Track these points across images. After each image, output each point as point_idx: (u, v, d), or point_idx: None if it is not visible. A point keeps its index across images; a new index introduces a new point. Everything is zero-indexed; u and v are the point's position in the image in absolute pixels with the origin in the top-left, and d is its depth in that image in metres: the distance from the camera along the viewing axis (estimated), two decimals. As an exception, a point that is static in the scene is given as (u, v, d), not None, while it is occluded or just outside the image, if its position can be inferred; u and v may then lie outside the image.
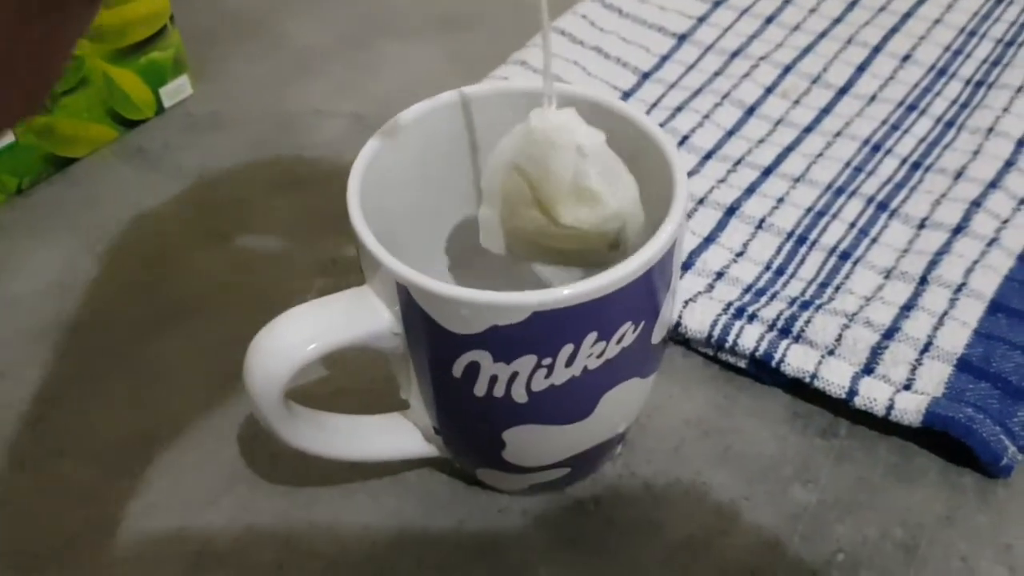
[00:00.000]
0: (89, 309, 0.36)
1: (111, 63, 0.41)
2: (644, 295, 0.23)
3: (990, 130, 0.38)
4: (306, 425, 0.25)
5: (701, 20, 0.45)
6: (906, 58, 0.42)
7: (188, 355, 0.34)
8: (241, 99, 0.44)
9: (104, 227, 0.39)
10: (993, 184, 0.36)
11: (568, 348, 0.23)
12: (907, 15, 0.44)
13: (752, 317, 0.32)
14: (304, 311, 0.23)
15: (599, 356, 0.23)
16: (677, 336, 0.33)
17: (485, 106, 0.28)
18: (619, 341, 0.23)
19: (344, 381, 0.32)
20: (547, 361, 0.23)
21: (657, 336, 0.25)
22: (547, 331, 0.22)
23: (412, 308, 0.23)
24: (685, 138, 0.39)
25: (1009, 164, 0.37)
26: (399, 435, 0.27)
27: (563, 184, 0.23)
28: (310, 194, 0.40)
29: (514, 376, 0.23)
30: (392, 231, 0.26)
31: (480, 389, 0.24)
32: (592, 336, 0.23)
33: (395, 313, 0.23)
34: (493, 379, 0.23)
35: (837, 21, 0.44)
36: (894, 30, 0.44)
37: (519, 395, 0.24)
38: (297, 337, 0.23)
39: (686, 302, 0.33)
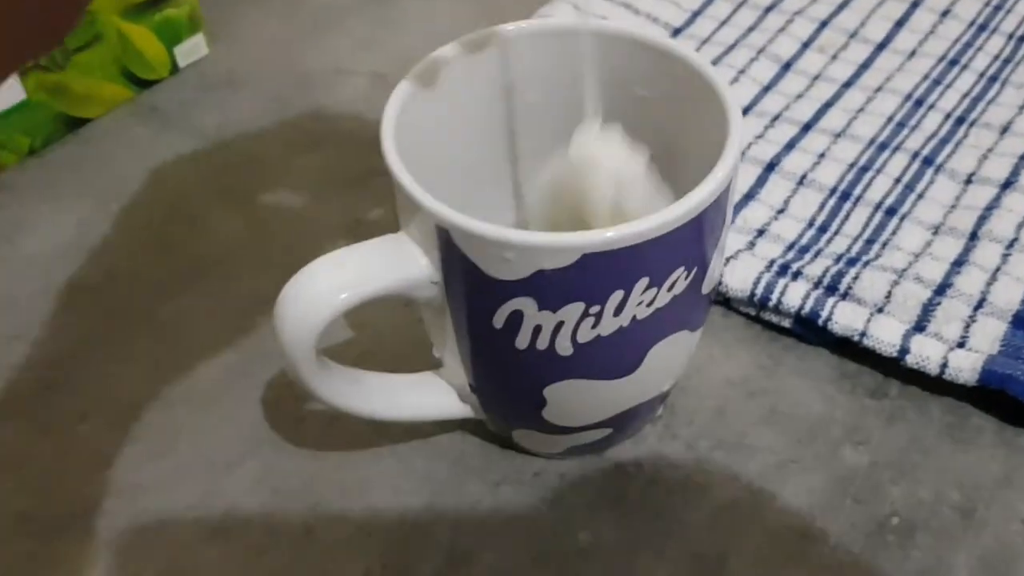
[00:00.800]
0: (105, 269, 0.35)
1: (125, 19, 0.39)
2: (698, 238, 0.22)
3: (1037, 84, 0.37)
4: (340, 380, 0.24)
5: (733, -25, 0.43)
6: (945, 13, 0.41)
7: (208, 315, 0.33)
8: (258, 58, 0.43)
9: (119, 187, 0.38)
10: (1043, 139, 0.35)
11: (618, 295, 0.21)
12: (946, -31, 0.43)
13: (797, 274, 0.31)
14: (338, 257, 0.22)
15: (649, 304, 0.22)
16: (717, 296, 0.32)
17: (522, 46, 0.26)
18: (671, 288, 0.22)
19: (370, 344, 0.31)
20: (595, 309, 0.22)
21: (708, 285, 0.24)
22: (597, 276, 0.21)
23: (452, 252, 0.21)
24: (719, 94, 0.38)
25: (1059, 119, 0.36)
26: (433, 394, 0.26)
27: (603, 213, 0.23)
28: (330, 154, 0.39)
29: (559, 326, 0.22)
30: (426, 177, 0.25)
31: (523, 341, 0.22)
32: (644, 282, 0.21)
33: (433, 259, 0.22)
34: (537, 330, 0.22)
35: (875, -25, 0.43)
36: (934, -15, 0.42)
37: (564, 347, 0.22)
38: (331, 284, 0.22)
39: (727, 259, 0.32)
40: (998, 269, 0.30)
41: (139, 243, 0.36)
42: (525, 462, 0.28)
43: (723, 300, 0.32)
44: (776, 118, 0.37)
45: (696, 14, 0.42)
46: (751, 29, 0.41)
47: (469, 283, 0.22)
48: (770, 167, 0.35)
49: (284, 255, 0.35)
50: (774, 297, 0.30)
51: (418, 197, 0.21)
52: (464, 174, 0.27)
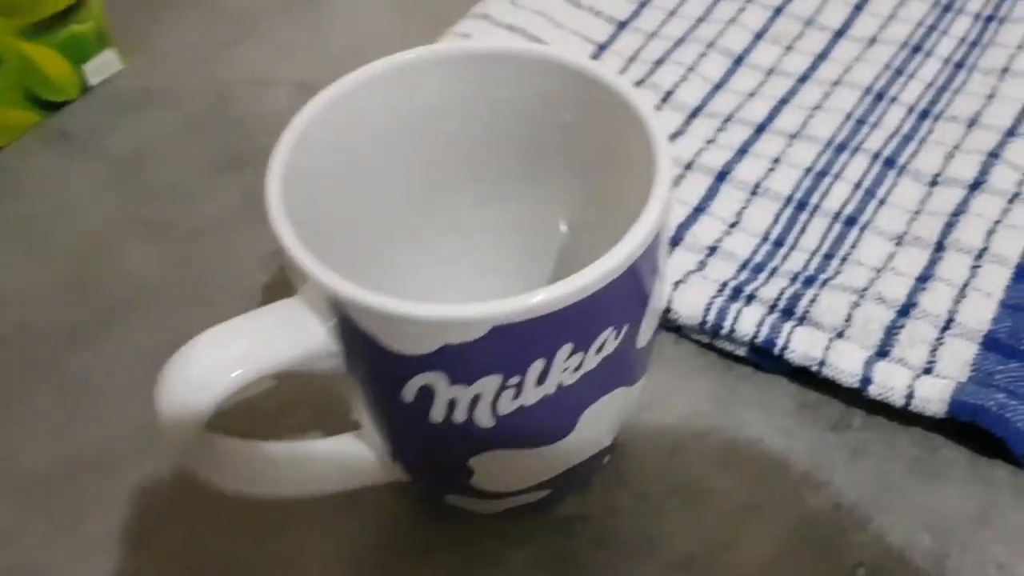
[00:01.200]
0: (13, 318, 0.32)
1: (26, 39, 0.36)
2: (626, 296, 0.20)
3: (1004, 70, 0.35)
4: (237, 463, 0.22)
5: (680, -40, 0.41)
6: (908, -7, 0.38)
7: (123, 365, 0.30)
8: (175, 71, 0.40)
9: (28, 223, 0.35)
10: (1011, 131, 0.33)
11: (539, 364, 0.19)
12: (906, -55, 0.40)
13: (750, 298, 0.29)
14: (223, 332, 0.20)
15: (576, 369, 0.20)
16: (667, 322, 0.29)
17: (431, 73, 0.24)
18: (599, 351, 0.20)
19: (292, 394, 0.29)
20: (515, 380, 0.19)
21: (643, 339, 0.21)
22: (512, 347, 0.19)
23: (349, 327, 0.19)
24: (668, 94, 0.35)
25: (1028, 108, 0.33)
26: (353, 462, 0.24)
27: None
28: (252, 174, 0.35)
29: (476, 399, 0.20)
30: (325, 225, 0.22)
31: (437, 414, 0.20)
32: (567, 348, 0.19)
33: (331, 330, 0.20)
34: (452, 403, 0.20)
35: (830, -45, 0.40)
36: (893, -38, 0.39)
37: (484, 419, 0.20)
38: (216, 364, 0.19)
39: (676, 284, 0.29)
40: (966, 284, 0.28)
41: (50, 286, 0.33)
42: (461, 523, 0.26)
43: (675, 327, 0.29)
44: (728, 119, 0.34)
45: (642, 5, 0.39)
46: (701, 20, 0.38)
47: (371, 357, 0.19)
48: (721, 176, 0.32)
49: (207, 291, 0.32)
50: (727, 324, 0.28)
51: (306, 267, 0.19)
52: (373, 219, 0.24)
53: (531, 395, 0.20)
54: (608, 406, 0.22)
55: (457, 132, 0.25)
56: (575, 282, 0.18)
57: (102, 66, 0.39)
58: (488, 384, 0.19)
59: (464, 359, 0.19)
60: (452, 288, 0.27)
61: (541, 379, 0.19)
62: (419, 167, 0.25)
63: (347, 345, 0.20)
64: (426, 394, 0.20)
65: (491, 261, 0.27)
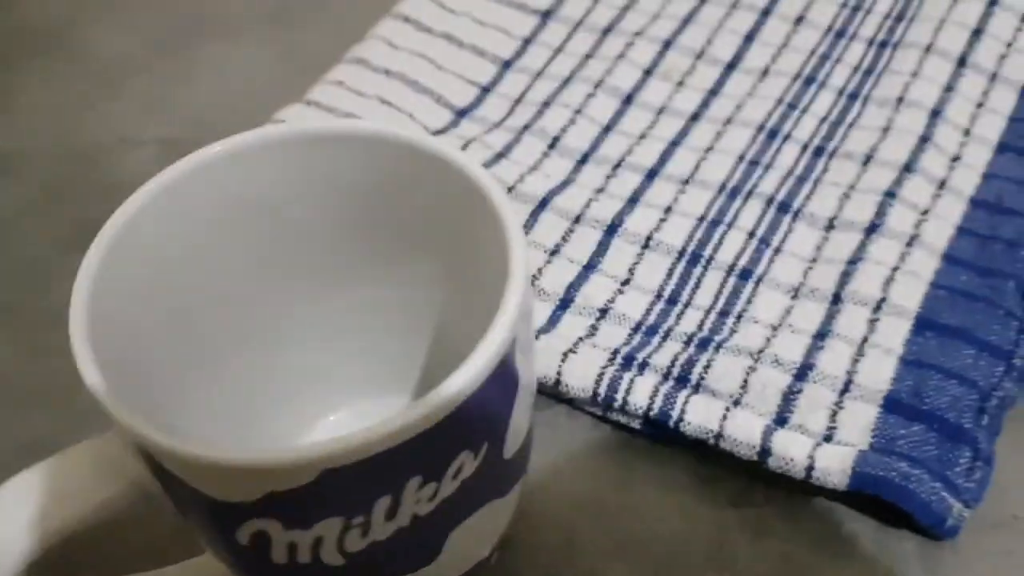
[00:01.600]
0: None
1: None
2: (479, 418, 0.18)
3: (899, 100, 0.33)
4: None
5: (566, -9, 0.39)
6: (799, 20, 0.37)
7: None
8: (36, 132, 0.37)
9: None
10: (908, 167, 0.31)
11: (384, 501, 0.17)
12: (797, -32, 0.39)
13: (643, 365, 0.27)
14: (23, 483, 0.17)
15: (431, 499, 0.18)
16: (559, 394, 0.27)
17: (268, 158, 0.21)
18: (456, 475, 0.18)
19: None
20: (359, 520, 0.17)
21: (511, 449, 0.20)
22: (348, 489, 0.17)
23: (163, 474, 0.17)
24: (556, 139, 0.33)
25: (924, 140, 0.32)
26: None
27: None
28: (117, 248, 0.33)
29: (318, 541, 0.17)
30: (154, 336, 0.20)
31: (279, 556, 0.18)
32: (415, 481, 0.17)
33: (149, 473, 0.17)
34: (292, 547, 0.18)
35: (719, -18, 0.39)
36: (784, -13, 0.38)
37: (332, 558, 0.18)
38: (14, 526, 0.17)
39: (565, 353, 0.27)
40: (865, 340, 0.27)
41: None
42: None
43: (567, 399, 0.28)
44: (618, 165, 0.33)
45: (527, 41, 0.37)
46: (588, 57, 0.36)
47: (194, 505, 0.17)
48: (612, 229, 0.31)
49: (58, 388, 0.29)
50: (619, 396, 0.26)
51: (110, 408, 0.17)
52: (216, 318, 0.22)
53: (382, 531, 0.18)
54: (479, 521, 0.20)
55: (307, 219, 0.22)
56: (412, 413, 0.16)
57: (-52, 132, 0.36)
58: (329, 527, 0.17)
59: (296, 504, 0.17)
60: (318, 380, 0.25)
61: (390, 515, 0.17)
62: (265, 257, 0.22)
63: (168, 491, 0.17)
64: (262, 539, 0.17)
65: (371, 340, 0.25)
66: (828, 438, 0.25)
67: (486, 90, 0.36)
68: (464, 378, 0.16)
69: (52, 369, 0.30)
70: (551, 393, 0.28)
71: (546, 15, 0.38)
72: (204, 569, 0.21)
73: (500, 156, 0.33)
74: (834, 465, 0.25)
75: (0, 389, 0.30)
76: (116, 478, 0.17)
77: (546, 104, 0.35)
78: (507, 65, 0.37)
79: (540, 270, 0.30)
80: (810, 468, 0.25)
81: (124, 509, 0.18)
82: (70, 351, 0.30)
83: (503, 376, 0.18)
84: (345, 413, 0.26)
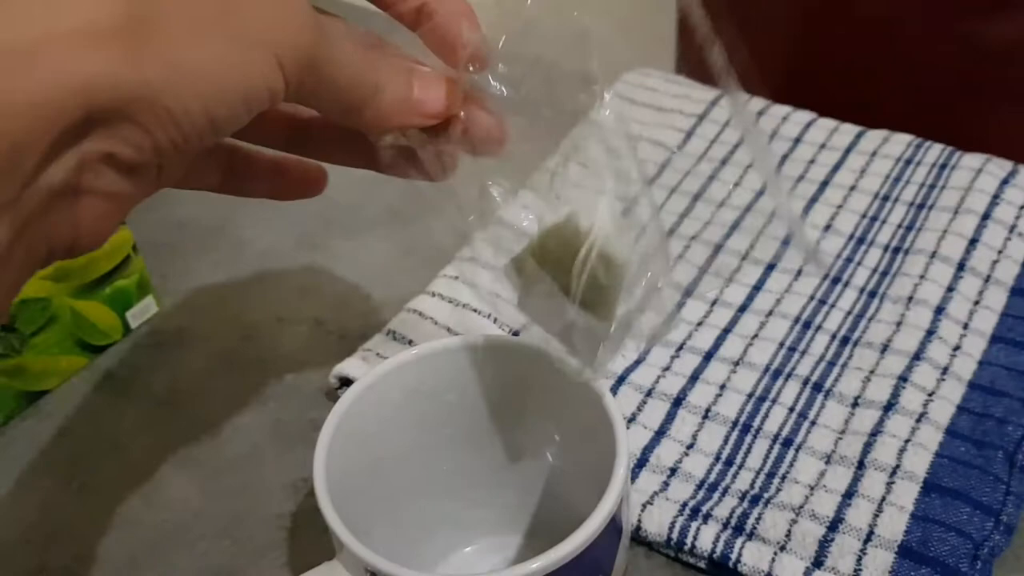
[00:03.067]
0: (71, 552, 0.37)
1: (77, 298, 0.42)
2: (595, 559, 0.25)
3: (910, 299, 0.41)
4: None
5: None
6: (827, 228, 0.45)
7: (170, 595, 0.35)
8: (205, 311, 0.46)
9: (79, 461, 0.40)
10: (917, 356, 0.39)
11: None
12: (824, 183, 0.48)
13: (707, 516, 0.34)
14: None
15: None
16: (639, 538, 0.35)
17: (433, 361, 0.30)
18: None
19: None
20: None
21: (616, 580, 0.27)
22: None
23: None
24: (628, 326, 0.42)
25: (930, 333, 0.40)
26: None
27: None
28: (276, 409, 0.41)
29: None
30: (363, 488, 0.28)
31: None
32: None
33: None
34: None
35: (760, 193, 0.47)
36: (814, 199, 0.47)
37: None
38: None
39: (644, 504, 0.35)
40: (883, 499, 0.34)
41: (102, 522, 0.38)
42: None
43: (645, 542, 0.35)
44: (680, 347, 0.41)
45: (604, 243, 0.46)
46: (654, 257, 0.45)
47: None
48: (677, 402, 0.38)
49: (236, 524, 0.37)
50: (688, 541, 0.34)
51: (345, 540, 0.24)
52: (401, 476, 0.30)
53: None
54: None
55: (459, 401, 0.31)
56: (549, 556, 0.24)
57: (142, 311, 0.45)
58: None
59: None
60: (455, 521, 0.32)
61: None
62: (434, 429, 0.31)
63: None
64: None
65: (495, 492, 0.33)
66: (855, 578, 0.32)
67: (572, 283, 0.44)
68: (588, 530, 0.24)
69: (231, 508, 0.38)
70: (632, 537, 0.35)
71: (619, 220, 0.47)
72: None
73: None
74: (860, 600, 0.31)
75: (192, 527, 0.37)
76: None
77: (621, 296, 0.43)
78: (588, 262, 0.45)
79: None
80: (841, 602, 0.32)
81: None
82: (243, 494, 0.38)
83: (612, 528, 0.25)
84: (476, 547, 0.33)
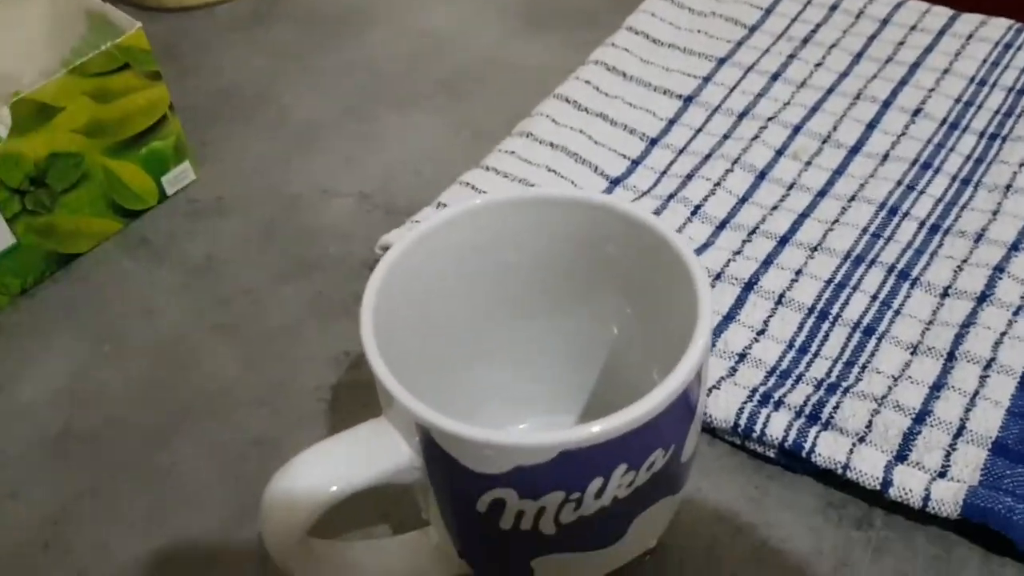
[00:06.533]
0: (100, 416, 0.35)
1: (111, 157, 0.40)
2: (674, 422, 0.22)
3: (1008, 187, 0.38)
4: (327, 565, 0.24)
5: (707, 80, 0.44)
6: (917, 112, 0.42)
7: (203, 462, 0.33)
8: (245, 181, 0.44)
9: (111, 326, 0.38)
10: (1015, 246, 0.35)
11: (598, 482, 0.22)
12: (915, 65, 0.44)
13: (779, 404, 0.31)
14: (320, 452, 0.23)
15: (629, 485, 0.23)
16: (703, 424, 0.32)
17: (493, 215, 0.27)
18: (649, 468, 0.23)
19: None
20: (575, 496, 0.22)
21: (687, 454, 0.24)
22: (575, 469, 0.21)
23: (432, 447, 0.22)
24: (698, 207, 0.38)
25: (1031, 224, 0.36)
26: (424, 558, 0.26)
27: None
28: (319, 280, 0.39)
29: (541, 511, 0.22)
30: (408, 352, 0.25)
31: (506, 523, 0.23)
32: (622, 468, 0.22)
33: (415, 448, 0.23)
34: (520, 514, 0.22)
35: (844, 75, 0.44)
36: (903, 82, 0.43)
37: (547, 527, 0.23)
38: (315, 480, 0.22)
39: (710, 389, 0.32)
40: (976, 393, 0.31)
41: (132, 386, 0.36)
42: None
43: (709, 429, 0.32)
44: (753, 231, 0.38)
45: (672, 122, 0.43)
46: (726, 137, 0.41)
47: (450, 474, 0.22)
48: (749, 286, 0.35)
49: (275, 393, 0.35)
50: (757, 428, 0.31)
51: (396, 394, 0.22)
52: (450, 335, 0.28)
53: (590, 507, 0.23)
54: (655, 513, 0.25)
55: (517, 261, 0.28)
56: (631, 412, 0.21)
57: (179, 176, 0.43)
58: (553, 499, 0.22)
59: (534, 478, 0.21)
60: (517, 390, 0.30)
61: (599, 494, 0.22)
62: (487, 291, 0.28)
63: (429, 462, 0.23)
64: (497, 506, 0.22)
65: (549, 365, 0.30)
66: (943, 474, 0.29)
67: (636, 163, 0.41)
68: (672, 385, 0.21)
69: (270, 378, 0.36)
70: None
71: (688, 100, 0.43)
72: (423, 540, 0.26)
73: (650, 219, 0.38)
74: (947, 497, 0.29)
75: (229, 395, 0.35)
76: (392, 455, 0.23)
77: (688, 177, 0.40)
78: (654, 142, 0.42)
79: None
80: (926, 499, 0.29)
81: (393, 480, 0.23)
82: (282, 364, 0.36)
83: (693, 389, 0.22)
84: (527, 425, 0.31)
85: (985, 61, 0.44)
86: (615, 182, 0.40)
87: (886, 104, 0.42)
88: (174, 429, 0.34)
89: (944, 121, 0.41)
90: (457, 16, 0.52)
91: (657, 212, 0.39)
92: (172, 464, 0.33)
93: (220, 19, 0.52)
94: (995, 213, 0.37)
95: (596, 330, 0.29)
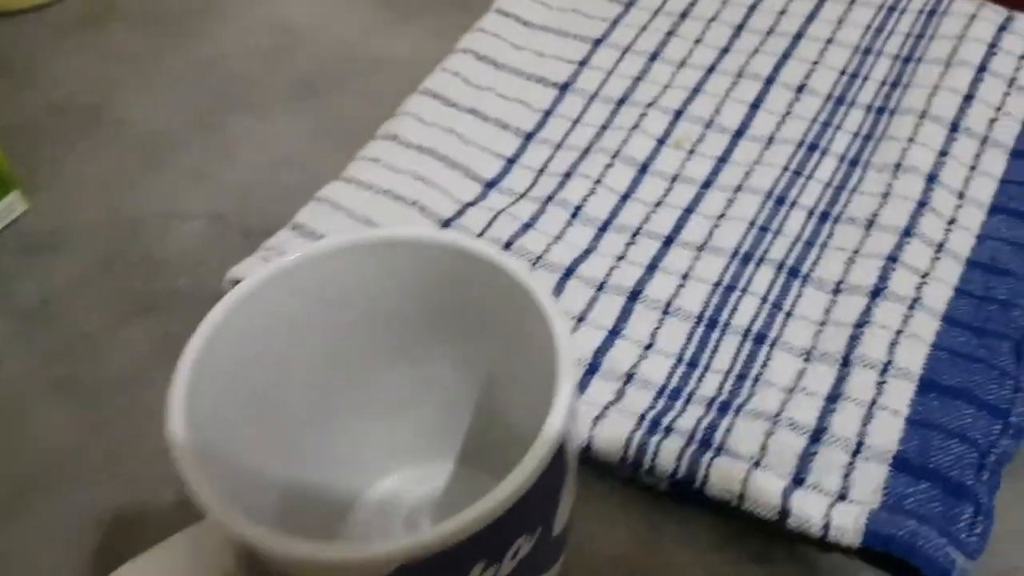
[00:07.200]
0: (-79, 500, 0.31)
1: (-82, 196, 0.35)
2: (537, 502, 0.20)
3: (897, 166, 0.36)
4: None
5: (583, 64, 0.41)
6: (801, 88, 0.39)
7: (40, 546, 0.30)
8: (82, 208, 0.39)
9: (-67, 390, 0.34)
10: (908, 231, 0.34)
11: (453, 583, 0.19)
12: (798, 36, 0.41)
13: (669, 430, 0.29)
14: (136, 570, 0.19)
15: (492, 577, 0.20)
16: (588, 458, 0.30)
17: (337, 261, 0.24)
18: (515, 556, 0.20)
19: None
20: (428, 600, 0.19)
21: (559, 526, 0.22)
22: None
23: (256, 561, 0.19)
24: (578, 209, 0.36)
25: (922, 204, 0.34)
26: None
27: None
28: (167, 319, 0.35)
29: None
30: (249, 419, 0.22)
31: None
32: (479, 566, 0.19)
33: (238, 559, 0.20)
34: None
35: (725, 51, 0.41)
36: (786, 56, 0.41)
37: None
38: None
39: (595, 419, 0.30)
40: (874, 402, 0.29)
41: (-42, 459, 0.32)
42: None
43: (595, 463, 0.30)
44: (637, 232, 0.35)
45: (548, 113, 0.40)
46: (604, 127, 0.39)
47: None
48: (634, 296, 0.33)
49: (120, 458, 0.32)
50: (647, 460, 0.29)
51: (213, 509, 0.19)
52: (305, 397, 0.24)
53: (448, 607, 0.20)
54: (530, 592, 0.22)
55: (368, 308, 0.25)
56: (481, 508, 0.18)
57: (6, 210, 0.38)
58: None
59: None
60: (375, 447, 0.27)
61: (457, 594, 0.20)
62: (340, 343, 0.25)
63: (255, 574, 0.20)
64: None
65: (423, 412, 0.27)
66: (842, 497, 0.27)
67: (511, 161, 0.38)
68: (523, 474, 0.19)
69: (113, 438, 0.32)
70: (582, 458, 0.30)
71: (564, 87, 0.40)
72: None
73: (527, 227, 0.35)
74: (848, 523, 0.27)
75: (63, 461, 0.32)
76: (210, 569, 0.19)
77: (567, 175, 0.37)
78: (529, 137, 0.39)
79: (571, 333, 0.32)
80: (826, 527, 0.27)
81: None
82: (128, 421, 0.32)
83: (556, 465, 0.20)
84: (398, 477, 0.28)
85: (869, 27, 0.41)
86: (490, 185, 0.37)
87: (769, 81, 0.40)
88: (11, 506, 0.31)
89: (829, 96, 0.39)
90: (316, 7, 0.48)
91: (536, 217, 0.36)
92: (10, 546, 0.30)
93: (49, 23, 0.47)
94: (885, 196, 0.35)
95: (465, 375, 0.26)
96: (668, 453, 0.29)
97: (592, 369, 0.31)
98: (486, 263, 0.23)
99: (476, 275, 0.23)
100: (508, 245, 0.35)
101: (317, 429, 0.26)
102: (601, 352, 0.32)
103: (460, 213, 0.35)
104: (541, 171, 0.38)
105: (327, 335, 0.25)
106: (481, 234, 0.35)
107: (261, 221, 0.38)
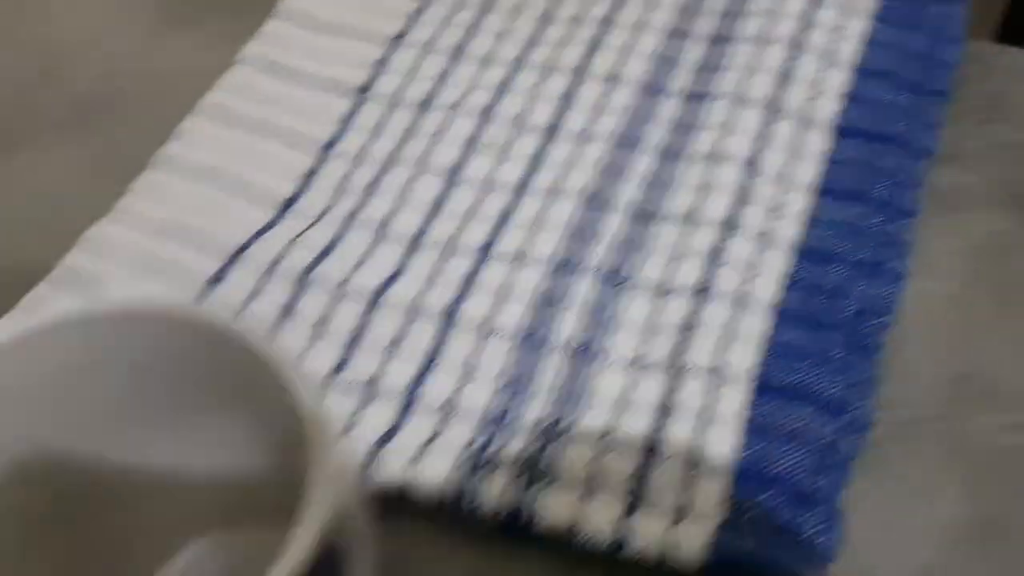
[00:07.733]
0: None
1: None
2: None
3: (714, 155, 0.34)
4: None
5: (381, 64, 0.38)
6: (612, 78, 0.37)
7: None
8: None
9: None
10: (730, 224, 0.32)
11: None
12: (607, 22, 0.39)
13: (491, 464, 0.26)
14: None
15: None
16: (405, 505, 0.26)
17: (59, 337, 0.20)
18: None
19: None
20: None
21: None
22: None
23: None
24: (384, 227, 0.33)
25: (743, 194, 0.33)
26: None
27: None
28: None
29: None
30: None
31: None
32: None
33: None
34: None
35: (532, 44, 0.39)
36: (595, 45, 0.38)
37: None
38: None
39: (411, 461, 0.26)
40: (708, 410, 0.27)
41: None
42: None
43: (415, 508, 0.27)
44: (448, 249, 0.32)
45: (346, 123, 0.36)
46: (408, 135, 0.35)
47: None
48: (449, 318, 0.30)
49: None
50: (468, 500, 0.26)
51: None
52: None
53: None
54: None
55: (100, 389, 0.21)
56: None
57: None
58: None
59: None
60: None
61: None
62: (60, 429, 0.21)
63: None
64: None
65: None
66: (682, 515, 0.25)
67: (309, 177, 0.35)
68: None
69: None
70: (397, 504, 0.27)
71: (362, 92, 0.37)
72: None
73: (327, 252, 0.32)
74: (686, 547, 0.24)
75: None
76: None
77: (370, 191, 0.34)
78: (328, 148, 0.35)
79: (382, 368, 0.29)
80: (665, 550, 0.25)
81: None
82: None
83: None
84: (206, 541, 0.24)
85: (680, 9, 0.40)
86: (287, 206, 0.34)
87: (579, 73, 0.37)
88: None
89: (642, 86, 0.37)
90: (85, 21, 0.43)
91: (338, 238, 0.32)
92: None
93: None
94: (704, 188, 0.33)
95: (212, 471, 0.23)
96: (492, 491, 0.26)
97: (407, 404, 0.28)
98: (232, 337, 0.19)
99: (232, 353, 0.20)
100: (308, 272, 0.31)
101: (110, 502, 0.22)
102: (417, 383, 0.29)
103: (248, 244, 0.32)
104: (342, 189, 0.34)
105: (49, 424, 0.21)
106: (276, 263, 0.31)
107: (22, 275, 0.33)
